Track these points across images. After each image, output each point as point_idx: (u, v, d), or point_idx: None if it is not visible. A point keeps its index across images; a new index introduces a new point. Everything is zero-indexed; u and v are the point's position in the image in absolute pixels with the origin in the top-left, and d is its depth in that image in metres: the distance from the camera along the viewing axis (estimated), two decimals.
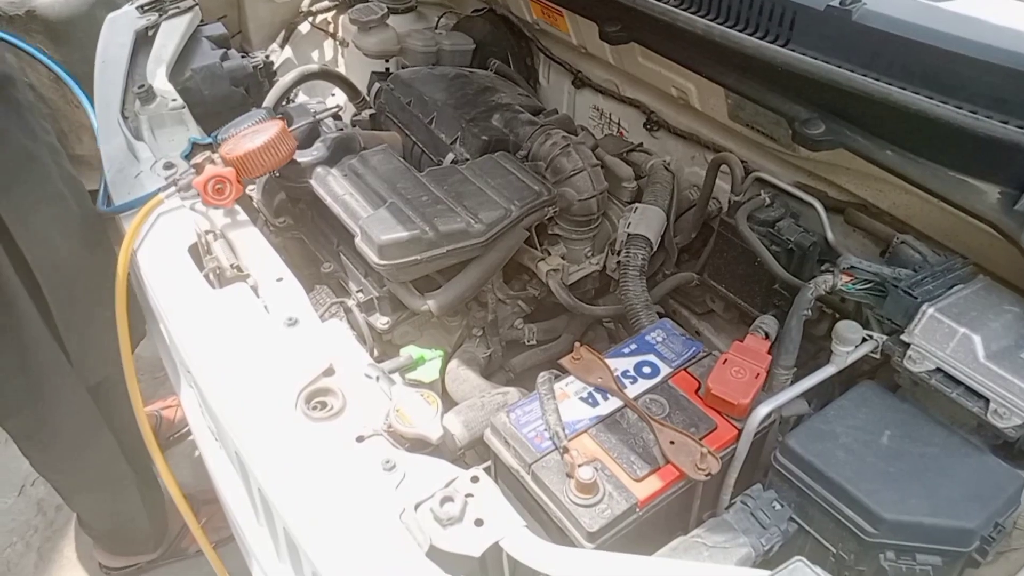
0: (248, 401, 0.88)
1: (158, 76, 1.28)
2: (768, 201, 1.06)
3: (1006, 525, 0.72)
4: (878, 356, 0.82)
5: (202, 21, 1.49)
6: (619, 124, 1.41)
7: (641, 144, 1.30)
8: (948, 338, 0.77)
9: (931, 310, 0.78)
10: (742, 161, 1.12)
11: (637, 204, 1.14)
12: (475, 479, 0.70)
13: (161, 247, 1.07)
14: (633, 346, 0.88)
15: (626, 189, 1.19)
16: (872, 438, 0.76)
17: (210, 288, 1.00)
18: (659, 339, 0.89)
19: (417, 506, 0.69)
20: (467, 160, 1.15)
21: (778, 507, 0.73)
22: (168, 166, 1.16)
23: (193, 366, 0.95)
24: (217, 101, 1.39)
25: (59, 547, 1.84)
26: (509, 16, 1.54)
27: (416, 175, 1.09)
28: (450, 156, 1.18)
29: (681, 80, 1.18)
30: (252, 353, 0.91)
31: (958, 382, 0.76)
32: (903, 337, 0.79)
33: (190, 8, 1.41)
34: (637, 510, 0.72)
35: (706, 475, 0.73)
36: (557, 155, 1.11)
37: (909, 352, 0.78)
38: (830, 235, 1.03)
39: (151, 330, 1.26)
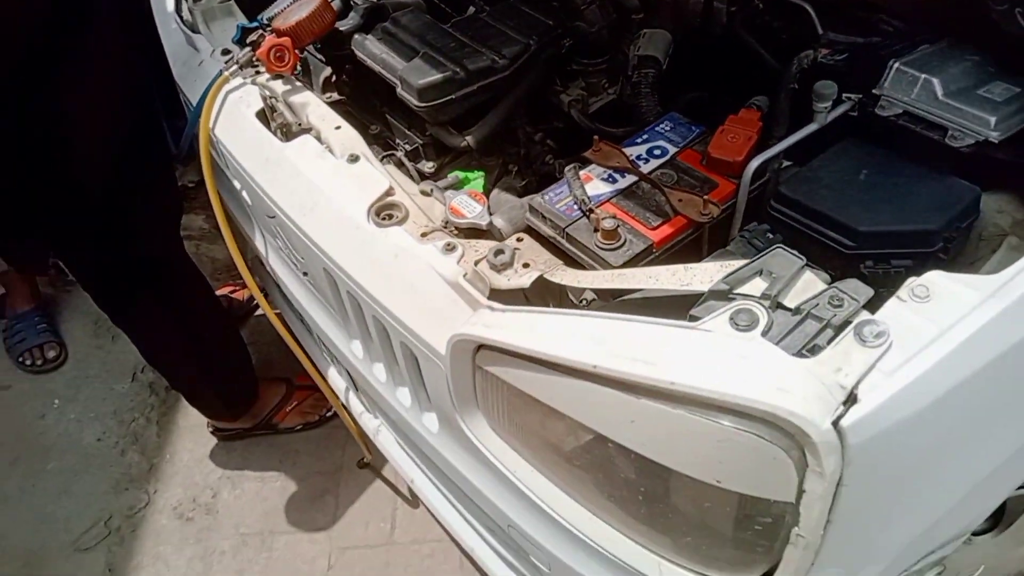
0: (328, 221, 1.06)
1: None
2: (760, 5, 1.17)
3: (968, 230, 0.87)
4: (855, 113, 0.95)
5: None
6: None
7: None
8: (912, 84, 0.89)
9: (897, 64, 0.90)
10: None
11: (644, 30, 1.26)
12: (520, 239, 0.88)
13: (233, 117, 1.24)
14: (645, 136, 1.03)
15: (634, 21, 1.30)
16: (851, 177, 0.91)
17: (280, 142, 1.17)
18: (668, 128, 1.04)
19: (476, 263, 0.87)
20: (486, 10, 1.28)
21: (771, 235, 0.89)
22: (225, 52, 1.33)
23: (277, 205, 1.13)
24: None
25: (175, 419, 2.14)
26: None
27: (442, 27, 1.23)
28: (471, 9, 1.31)
29: None
30: (325, 184, 1.08)
31: (921, 119, 0.89)
32: (874, 91, 0.92)
33: None
34: (654, 250, 0.89)
35: (709, 218, 0.89)
36: None
37: (880, 102, 0.91)
38: (819, 29, 1.14)
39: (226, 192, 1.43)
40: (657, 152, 0.99)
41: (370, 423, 1.62)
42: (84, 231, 1.37)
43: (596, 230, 0.88)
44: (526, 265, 0.84)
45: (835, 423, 0.65)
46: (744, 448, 0.69)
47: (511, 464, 0.98)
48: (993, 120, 0.83)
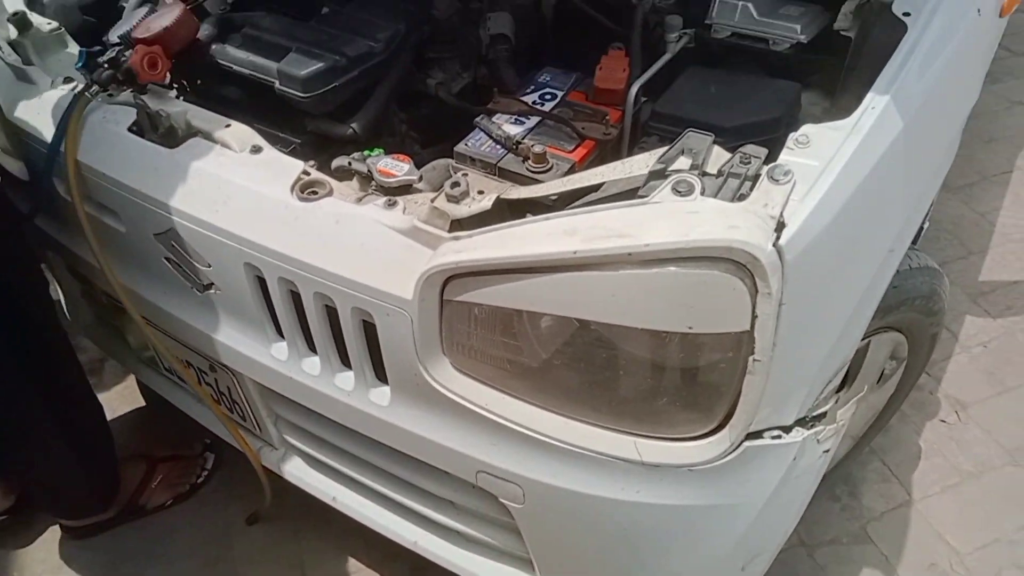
0: (248, 210, 1.06)
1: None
2: None
3: (796, 118, 1.11)
4: (694, 44, 1.18)
5: None
6: None
7: None
8: (734, 11, 1.13)
9: None
10: None
11: (488, 14, 1.41)
12: (465, 174, 0.96)
13: (101, 138, 1.18)
14: (531, 88, 1.17)
15: (475, 10, 1.45)
16: (704, 92, 1.12)
17: (168, 149, 1.14)
18: (548, 78, 1.19)
19: (433, 199, 0.94)
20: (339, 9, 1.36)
21: (660, 144, 1.06)
22: (67, 80, 1.26)
23: (178, 211, 1.09)
24: (72, 32, 1.46)
25: (9, 535, 1.84)
26: None
27: (308, 24, 1.28)
28: (324, 10, 1.38)
29: None
30: (235, 176, 1.08)
31: (748, 36, 1.13)
32: (707, 21, 1.14)
33: None
34: (576, 167, 1.02)
35: (611, 137, 1.05)
36: None
37: (713, 28, 1.14)
38: None
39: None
40: (548, 96, 1.14)
41: (272, 456, 1.57)
42: None
43: (526, 159, 1.00)
44: (480, 192, 0.92)
45: (774, 245, 0.82)
46: (709, 287, 0.83)
47: (480, 398, 1.04)
48: (799, 27, 1.09)
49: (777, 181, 0.84)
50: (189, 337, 1.33)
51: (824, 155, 0.87)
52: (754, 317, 0.85)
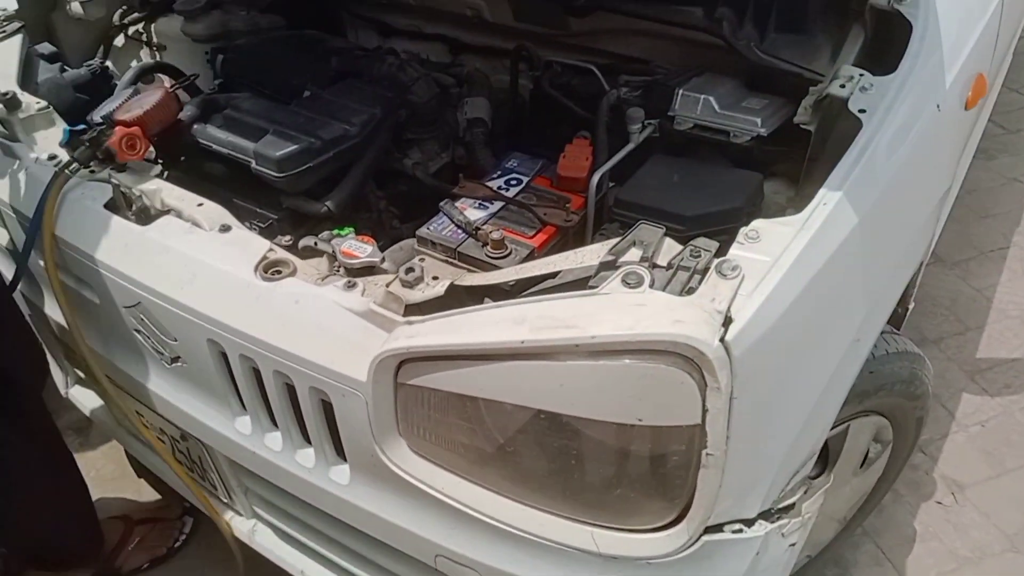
0: (213, 288, 1.07)
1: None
2: (560, 71, 1.41)
3: (759, 207, 1.12)
4: (658, 134, 1.20)
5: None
6: (428, 59, 1.72)
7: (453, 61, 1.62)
8: (696, 104, 1.15)
9: (681, 91, 1.16)
10: None
11: (466, 99, 1.45)
12: (422, 259, 0.97)
13: (78, 213, 1.21)
14: (498, 173, 1.19)
15: (454, 95, 1.49)
16: (667, 180, 1.13)
17: (140, 227, 1.16)
18: (515, 163, 1.21)
19: (388, 284, 0.95)
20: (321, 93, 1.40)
21: (622, 230, 1.07)
22: (51, 157, 1.30)
23: (145, 287, 1.11)
24: (65, 110, 1.51)
25: None
26: None
27: (287, 107, 1.32)
28: (306, 93, 1.42)
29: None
30: (202, 255, 1.10)
31: (709, 128, 1.15)
32: (669, 113, 1.17)
33: (17, 30, 1.51)
34: (536, 254, 1.03)
35: (572, 224, 1.06)
36: (395, 72, 1.39)
37: (675, 120, 1.16)
38: (605, 86, 1.40)
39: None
40: (514, 182, 1.16)
41: (243, 526, 1.55)
42: None
43: (485, 244, 1.01)
44: (435, 278, 0.93)
45: (721, 340, 0.81)
46: (656, 380, 0.83)
47: (437, 482, 1.03)
48: (759, 120, 1.11)
49: (725, 276, 0.84)
50: (160, 407, 1.34)
51: (774, 251, 0.88)
52: (704, 411, 0.84)
